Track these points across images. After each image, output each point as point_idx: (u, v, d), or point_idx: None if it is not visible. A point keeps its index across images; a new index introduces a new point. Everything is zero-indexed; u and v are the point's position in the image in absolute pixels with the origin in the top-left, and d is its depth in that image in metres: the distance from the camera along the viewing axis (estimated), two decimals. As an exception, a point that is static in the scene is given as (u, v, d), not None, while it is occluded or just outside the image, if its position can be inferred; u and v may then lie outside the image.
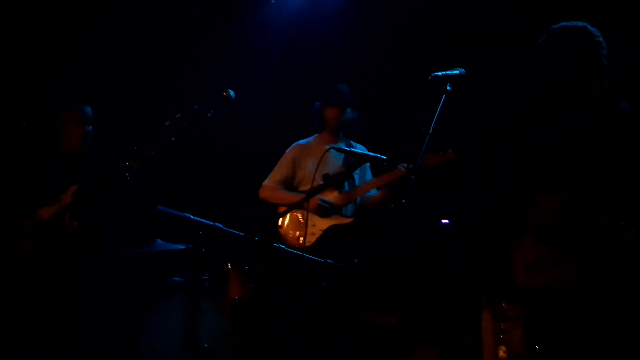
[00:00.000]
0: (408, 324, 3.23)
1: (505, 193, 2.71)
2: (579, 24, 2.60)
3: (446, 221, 3.56)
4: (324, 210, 3.85)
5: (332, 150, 3.65)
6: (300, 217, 3.93)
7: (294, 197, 3.82)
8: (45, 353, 3.71)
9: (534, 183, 2.51)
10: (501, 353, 2.82)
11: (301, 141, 4.14)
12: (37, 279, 3.79)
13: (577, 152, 2.43)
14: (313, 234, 3.83)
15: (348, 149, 3.72)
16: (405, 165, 3.57)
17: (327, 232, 3.83)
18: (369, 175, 4.11)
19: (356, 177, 4.02)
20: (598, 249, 2.33)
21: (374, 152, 3.48)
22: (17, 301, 3.80)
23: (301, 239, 3.82)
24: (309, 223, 3.82)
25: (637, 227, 2.29)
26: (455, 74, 3.04)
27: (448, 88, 2.98)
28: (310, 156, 3.97)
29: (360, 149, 4.01)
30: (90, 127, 4.00)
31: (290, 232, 3.91)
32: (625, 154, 2.36)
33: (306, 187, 3.89)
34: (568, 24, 2.60)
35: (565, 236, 2.39)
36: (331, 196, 3.91)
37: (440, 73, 3.04)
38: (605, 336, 2.27)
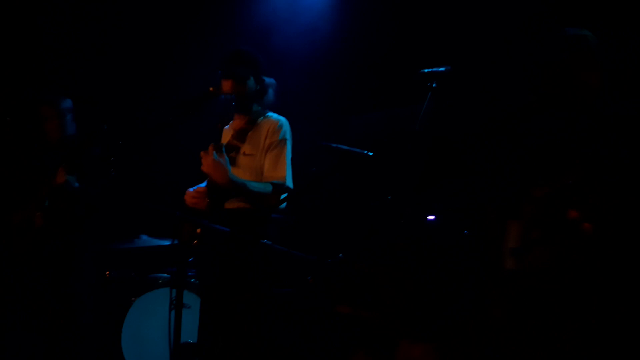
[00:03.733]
0: (392, 318, 3.24)
1: (495, 185, 2.80)
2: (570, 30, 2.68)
3: (432, 217, 3.57)
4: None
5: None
6: None
7: None
8: (35, 348, 3.69)
9: (521, 177, 2.61)
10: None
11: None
12: (27, 275, 3.77)
13: (555, 148, 2.55)
14: None
15: (335, 145, 3.70)
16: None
17: None
18: None
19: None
20: (566, 238, 2.51)
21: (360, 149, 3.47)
22: (11, 298, 3.77)
23: None
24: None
25: (600, 220, 2.46)
26: (442, 71, 3.05)
27: (434, 85, 3.00)
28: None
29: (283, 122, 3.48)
30: (70, 116, 3.97)
31: None
32: (597, 151, 2.47)
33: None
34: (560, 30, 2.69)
35: (544, 225, 2.55)
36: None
37: (426, 70, 3.05)
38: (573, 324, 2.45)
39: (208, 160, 3.16)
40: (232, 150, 3.41)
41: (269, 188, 3.31)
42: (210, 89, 3.32)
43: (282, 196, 3.34)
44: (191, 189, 3.38)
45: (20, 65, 4.75)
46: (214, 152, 3.17)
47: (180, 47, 4.94)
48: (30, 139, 3.94)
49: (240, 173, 3.36)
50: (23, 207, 3.78)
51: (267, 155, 3.38)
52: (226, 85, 3.39)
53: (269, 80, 3.54)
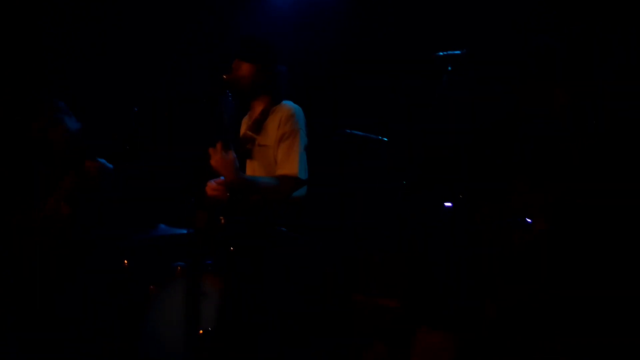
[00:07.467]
0: (410, 306, 3.22)
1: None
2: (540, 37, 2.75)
3: (449, 204, 3.53)
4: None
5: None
6: None
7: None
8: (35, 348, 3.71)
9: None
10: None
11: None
12: (35, 272, 3.78)
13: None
14: None
15: (350, 131, 3.68)
16: None
17: None
18: None
19: None
20: None
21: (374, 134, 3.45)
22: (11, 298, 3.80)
23: None
24: None
25: None
26: (457, 55, 3.02)
27: (449, 68, 2.97)
28: None
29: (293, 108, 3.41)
30: (69, 114, 3.97)
31: None
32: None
33: None
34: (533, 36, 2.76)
35: None
36: None
37: (442, 53, 3.03)
38: None
39: (216, 158, 3.13)
40: (248, 142, 3.37)
41: (279, 183, 3.25)
42: (224, 76, 3.29)
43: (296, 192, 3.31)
44: (212, 181, 3.33)
45: (20, 66, 4.75)
46: (222, 150, 3.13)
47: (181, 47, 4.91)
48: (33, 139, 3.94)
49: (256, 166, 3.33)
50: (25, 207, 3.80)
51: (280, 146, 3.29)
52: (238, 70, 3.34)
53: (281, 67, 3.46)
